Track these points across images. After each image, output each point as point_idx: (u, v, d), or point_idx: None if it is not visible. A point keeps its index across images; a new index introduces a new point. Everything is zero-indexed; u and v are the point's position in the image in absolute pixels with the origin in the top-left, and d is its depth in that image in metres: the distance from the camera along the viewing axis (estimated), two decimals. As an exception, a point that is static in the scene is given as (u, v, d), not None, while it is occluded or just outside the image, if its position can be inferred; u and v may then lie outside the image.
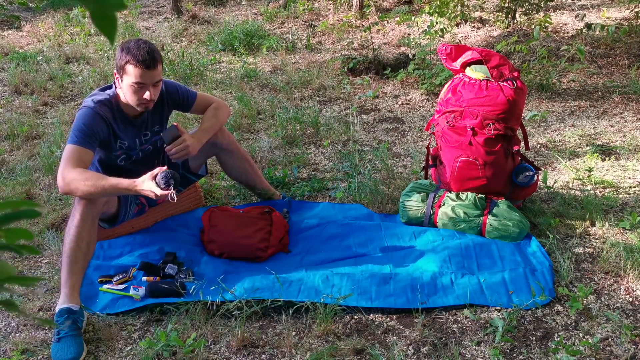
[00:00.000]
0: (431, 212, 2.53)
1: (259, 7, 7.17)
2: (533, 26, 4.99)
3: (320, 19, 6.55)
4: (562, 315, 2.01)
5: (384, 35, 5.82)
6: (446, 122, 2.49)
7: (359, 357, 1.86)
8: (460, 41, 5.36)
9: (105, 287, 2.18)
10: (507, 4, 5.40)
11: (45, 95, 4.49)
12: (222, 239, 2.39)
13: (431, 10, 5.03)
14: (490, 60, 2.45)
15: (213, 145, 2.56)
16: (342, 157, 3.32)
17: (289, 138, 3.58)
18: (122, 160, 2.36)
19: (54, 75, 4.86)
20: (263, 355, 1.89)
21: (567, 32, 5.41)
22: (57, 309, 2.00)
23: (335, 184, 3.02)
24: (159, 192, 2.02)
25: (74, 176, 2.03)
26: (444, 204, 2.52)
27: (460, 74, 2.55)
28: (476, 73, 2.48)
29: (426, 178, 2.81)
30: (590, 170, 2.99)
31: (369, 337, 1.95)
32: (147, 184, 2.03)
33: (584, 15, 4.55)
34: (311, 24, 6.29)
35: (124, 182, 2.06)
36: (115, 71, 2.19)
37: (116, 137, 2.27)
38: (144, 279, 2.20)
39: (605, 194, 2.79)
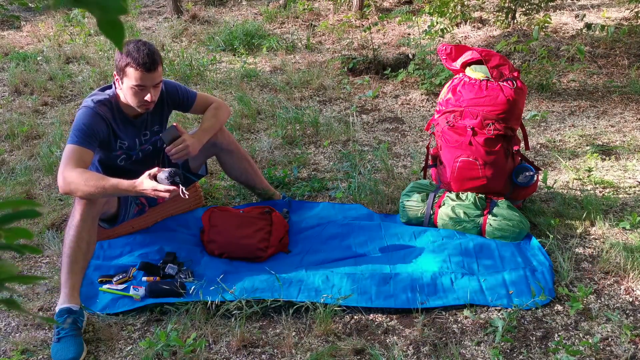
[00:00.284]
0: (431, 212, 2.53)
1: (259, 7, 7.16)
2: (533, 26, 4.99)
3: (320, 19, 6.55)
4: (562, 315, 2.01)
5: (384, 35, 5.82)
6: (446, 122, 2.49)
7: (359, 357, 1.86)
8: (460, 41, 5.36)
9: (105, 287, 2.18)
10: (507, 4, 5.40)
11: (45, 95, 4.49)
12: (222, 239, 2.39)
13: (431, 10, 5.03)
14: (490, 60, 2.45)
15: (213, 145, 2.56)
16: (342, 157, 3.32)
17: (289, 138, 3.58)
18: (122, 160, 2.36)
19: (54, 75, 4.86)
20: (263, 355, 1.89)
21: (567, 32, 5.41)
22: (57, 309, 2.00)
23: (335, 184, 3.02)
24: (163, 188, 2.00)
25: (74, 176, 2.02)
26: (444, 204, 2.52)
27: (460, 74, 2.55)
28: (476, 73, 2.48)
29: (426, 178, 2.81)
30: (590, 170, 2.99)
31: (369, 337, 1.95)
32: (148, 182, 2.03)
33: (584, 15, 4.54)
34: (311, 24, 6.29)
35: (124, 183, 2.06)
36: (115, 72, 2.18)
37: (116, 137, 2.27)
38: (144, 279, 2.20)
39: (605, 194, 2.79)
